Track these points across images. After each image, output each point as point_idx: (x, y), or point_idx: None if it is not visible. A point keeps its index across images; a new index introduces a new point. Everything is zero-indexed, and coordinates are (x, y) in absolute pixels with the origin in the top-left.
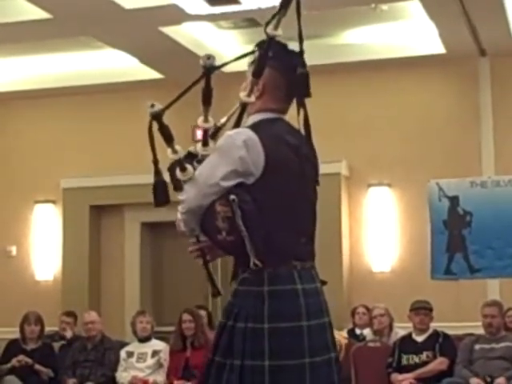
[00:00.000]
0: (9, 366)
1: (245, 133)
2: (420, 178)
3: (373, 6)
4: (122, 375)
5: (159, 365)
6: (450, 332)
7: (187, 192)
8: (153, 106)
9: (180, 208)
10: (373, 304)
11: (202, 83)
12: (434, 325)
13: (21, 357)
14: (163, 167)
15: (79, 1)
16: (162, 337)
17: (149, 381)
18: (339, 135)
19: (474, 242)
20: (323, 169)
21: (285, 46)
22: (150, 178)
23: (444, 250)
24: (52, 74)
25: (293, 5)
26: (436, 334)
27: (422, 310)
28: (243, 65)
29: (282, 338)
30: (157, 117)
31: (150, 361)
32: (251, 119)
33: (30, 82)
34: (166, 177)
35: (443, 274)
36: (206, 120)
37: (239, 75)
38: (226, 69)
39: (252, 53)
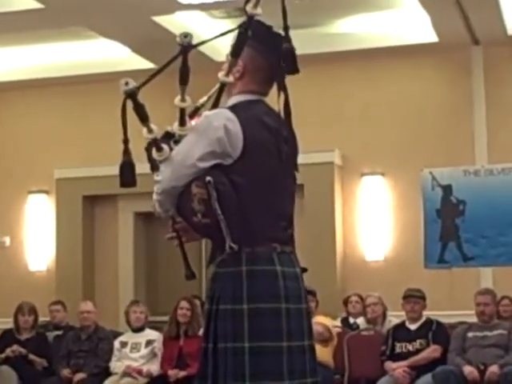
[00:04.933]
0: (3, 356)
1: (223, 113)
2: (413, 166)
3: None
4: (116, 365)
5: (153, 354)
6: (443, 320)
7: (163, 173)
8: (127, 83)
9: (155, 188)
10: (366, 293)
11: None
12: (427, 313)
13: (15, 347)
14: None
15: None
16: (155, 326)
17: (143, 370)
18: (332, 124)
19: (467, 230)
20: (317, 158)
21: (267, 28)
22: (143, 168)
23: (437, 238)
24: (44, 65)
25: None
26: (429, 322)
27: (412, 298)
28: None
29: (261, 319)
30: (131, 95)
31: (144, 350)
32: (231, 100)
33: (22, 72)
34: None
35: (436, 262)
36: (182, 99)
37: None
38: (221, 57)
39: (232, 31)
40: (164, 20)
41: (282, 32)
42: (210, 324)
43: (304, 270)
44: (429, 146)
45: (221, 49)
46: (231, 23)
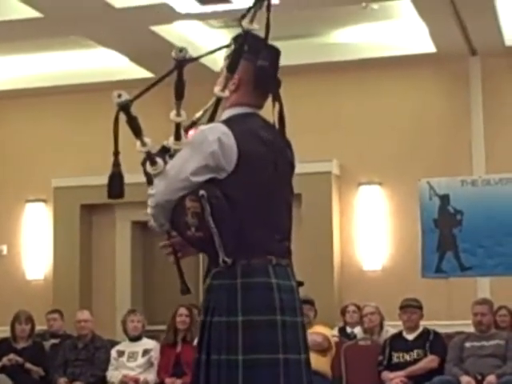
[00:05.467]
0: None
1: (218, 128)
2: (411, 176)
3: (363, 4)
4: (113, 374)
5: (150, 364)
6: (440, 330)
7: (156, 186)
8: (120, 96)
9: (149, 202)
10: (363, 302)
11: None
12: (424, 323)
13: (11, 356)
14: None
15: (70, 0)
16: (152, 335)
17: (139, 379)
18: (330, 134)
19: (464, 240)
20: (314, 168)
21: (261, 40)
22: (140, 178)
23: (435, 248)
24: (43, 73)
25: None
26: (426, 332)
27: (409, 307)
28: None
29: (256, 331)
30: (124, 108)
31: (141, 360)
32: (226, 113)
33: (21, 81)
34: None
35: (434, 272)
36: (178, 114)
37: None
38: (217, 67)
39: (227, 46)
40: (162, 30)
41: (275, 44)
42: (204, 335)
43: (300, 283)
44: (426, 156)
45: (220, 59)
46: (229, 33)
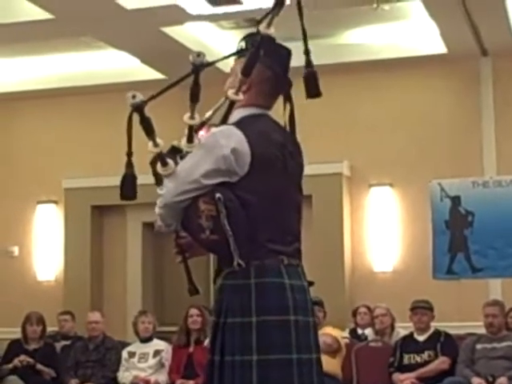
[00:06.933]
0: (10, 366)
1: (230, 131)
2: (422, 178)
3: (374, 5)
4: (124, 375)
5: (161, 365)
6: (451, 332)
7: (166, 187)
8: (134, 96)
9: (158, 202)
10: (374, 304)
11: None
12: (435, 324)
13: (22, 357)
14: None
15: (81, 1)
16: (163, 337)
17: (150, 381)
18: (341, 135)
19: (475, 241)
20: (325, 169)
21: (273, 40)
22: (152, 179)
23: (446, 249)
24: (54, 75)
25: (292, 4)
26: (437, 333)
27: (419, 309)
28: None
29: (270, 331)
30: (138, 108)
31: (152, 361)
32: (236, 114)
33: (32, 82)
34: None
35: (445, 273)
36: (192, 117)
37: None
38: (227, 68)
39: (242, 51)
40: (173, 31)
41: (286, 45)
42: (217, 336)
43: (311, 283)
44: (437, 157)
45: (231, 60)
46: (240, 34)
